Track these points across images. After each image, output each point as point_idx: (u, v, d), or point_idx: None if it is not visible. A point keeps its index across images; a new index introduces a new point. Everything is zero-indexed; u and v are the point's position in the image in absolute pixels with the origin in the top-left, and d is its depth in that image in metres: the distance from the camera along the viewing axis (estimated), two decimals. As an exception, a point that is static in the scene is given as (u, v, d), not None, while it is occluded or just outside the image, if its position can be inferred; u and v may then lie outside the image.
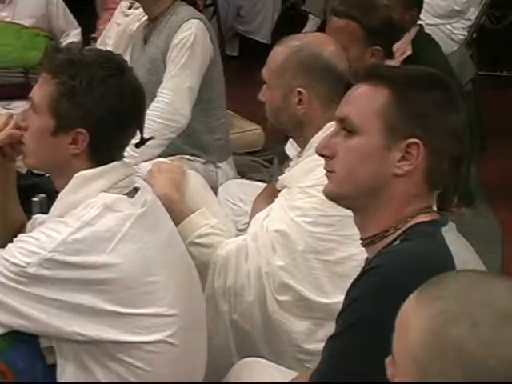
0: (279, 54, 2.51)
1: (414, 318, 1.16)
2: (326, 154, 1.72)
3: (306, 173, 2.39)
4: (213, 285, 2.40)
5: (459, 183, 1.71)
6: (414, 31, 3.80)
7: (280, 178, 2.56)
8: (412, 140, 1.63)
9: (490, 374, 1.08)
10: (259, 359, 2.24)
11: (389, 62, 3.64)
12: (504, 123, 5.04)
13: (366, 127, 1.66)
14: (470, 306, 1.13)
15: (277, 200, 2.47)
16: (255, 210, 2.90)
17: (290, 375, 2.18)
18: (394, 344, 1.20)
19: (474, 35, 4.99)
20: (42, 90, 1.96)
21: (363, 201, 1.69)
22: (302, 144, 2.51)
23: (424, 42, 3.84)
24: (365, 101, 1.68)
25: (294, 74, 2.45)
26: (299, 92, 2.43)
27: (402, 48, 3.71)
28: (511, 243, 3.70)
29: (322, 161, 1.78)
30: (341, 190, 1.71)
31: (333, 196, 1.74)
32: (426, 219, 1.67)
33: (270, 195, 2.93)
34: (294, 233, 2.34)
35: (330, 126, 2.33)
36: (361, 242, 1.72)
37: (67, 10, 4.82)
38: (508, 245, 3.70)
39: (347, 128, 1.68)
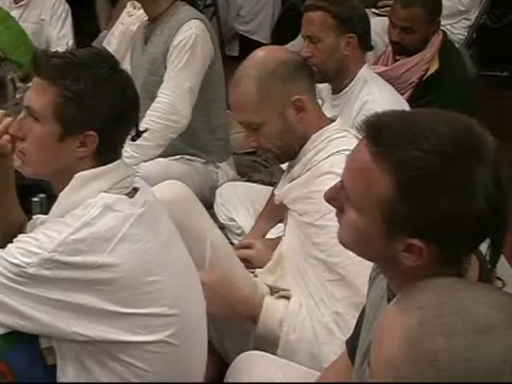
0: (247, 90, 2.36)
1: (392, 329, 1.17)
2: (335, 206, 1.53)
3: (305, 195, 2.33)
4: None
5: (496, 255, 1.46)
6: (438, 38, 3.77)
7: (277, 192, 2.50)
8: (411, 241, 1.39)
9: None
10: (259, 352, 2.25)
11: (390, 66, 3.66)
12: (504, 123, 5.04)
13: (365, 212, 1.43)
14: (445, 317, 1.13)
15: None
16: (258, 232, 2.93)
17: (289, 368, 2.19)
18: (372, 353, 1.20)
19: (474, 35, 4.99)
20: (41, 98, 1.92)
21: (378, 265, 1.57)
22: (298, 162, 2.43)
23: (451, 54, 3.80)
24: (367, 180, 1.42)
25: (277, 90, 2.35)
26: (294, 101, 2.35)
27: (428, 57, 3.71)
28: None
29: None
30: (347, 247, 1.55)
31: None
32: None
33: (271, 215, 2.95)
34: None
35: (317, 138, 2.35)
36: None
37: (67, 26, 4.81)
38: (508, 246, 3.68)
39: (347, 198, 1.47)
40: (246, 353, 2.24)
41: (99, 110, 1.90)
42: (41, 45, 4.62)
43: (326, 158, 2.32)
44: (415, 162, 1.36)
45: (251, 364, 2.18)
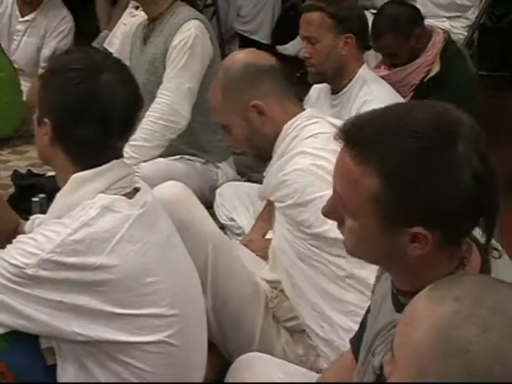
0: (212, 93, 2.50)
1: (424, 316, 1.16)
2: (335, 218, 1.53)
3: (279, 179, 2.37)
4: None
5: (490, 235, 1.48)
6: (439, 39, 3.76)
7: (259, 189, 2.55)
8: (415, 230, 1.40)
9: (493, 381, 1.08)
10: (259, 354, 2.25)
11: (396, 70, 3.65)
12: (504, 123, 5.04)
13: (361, 215, 1.45)
14: (482, 310, 1.12)
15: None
16: (258, 231, 2.93)
17: (288, 368, 2.19)
18: (396, 339, 1.19)
19: (474, 35, 4.99)
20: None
21: (383, 264, 1.58)
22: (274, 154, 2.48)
23: (453, 56, 3.78)
24: (353, 184, 1.43)
25: (238, 95, 2.42)
26: (254, 106, 2.41)
27: (429, 60, 3.70)
28: (512, 244, 3.69)
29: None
30: (355, 256, 1.57)
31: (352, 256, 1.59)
32: None
33: (271, 214, 2.96)
34: None
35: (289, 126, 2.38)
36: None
37: (65, 42, 4.80)
38: (508, 246, 3.68)
39: (343, 206, 1.48)
40: (247, 353, 2.25)
41: (53, 99, 1.95)
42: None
43: (301, 142, 2.37)
44: (395, 154, 1.38)
45: (252, 364, 2.18)
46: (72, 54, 2.01)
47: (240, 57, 2.51)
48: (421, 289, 1.28)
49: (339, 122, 2.04)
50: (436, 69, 3.69)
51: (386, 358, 1.20)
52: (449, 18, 4.77)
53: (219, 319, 2.41)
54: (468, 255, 1.46)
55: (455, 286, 1.18)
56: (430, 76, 3.69)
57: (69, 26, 4.81)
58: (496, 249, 1.51)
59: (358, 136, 1.43)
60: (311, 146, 2.34)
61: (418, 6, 4.67)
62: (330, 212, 1.52)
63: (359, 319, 1.83)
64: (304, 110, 2.49)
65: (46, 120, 1.95)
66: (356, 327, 1.85)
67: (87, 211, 1.88)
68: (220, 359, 2.47)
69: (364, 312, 1.80)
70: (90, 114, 1.92)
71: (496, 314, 1.11)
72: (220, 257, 2.43)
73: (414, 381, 1.14)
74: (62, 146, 1.96)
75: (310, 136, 2.36)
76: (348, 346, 1.88)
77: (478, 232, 1.49)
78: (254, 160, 2.58)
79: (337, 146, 1.48)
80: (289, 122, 2.41)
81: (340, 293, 2.27)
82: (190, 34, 3.42)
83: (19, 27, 4.77)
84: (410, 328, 1.16)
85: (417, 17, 3.76)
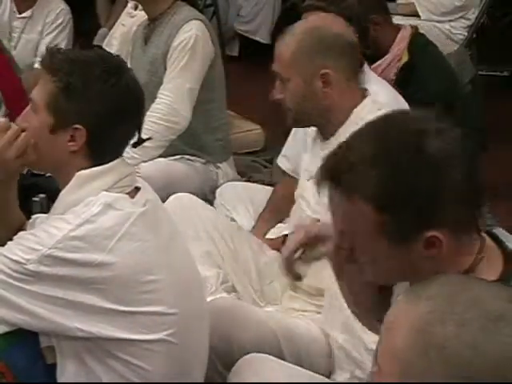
0: (289, 43, 2.46)
1: (402, 319, 1.17)
2: (346, 253, 1.55)
3: None
4: None
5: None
6: (407, 33, 3.80)
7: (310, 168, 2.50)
8: (431, 233, 1.43)
9: (475, 375, 1.08)
10: (261, 354, 2.25)
11: (377, 64, 3.67)
12: (504, 123, 5.04)
13: (367, 244, 1.48)
14: (457, 306, 1.13)
15: None
16: (258, 232, 2.94)
17: (290, 369, 2.19)
18: (379, 348, 1.20)
19: (474, 35, 4.99)
20: (41, 89, 1.97)
21: (409, 280, 1.56)
22: (329, 132, 2.49)
23: (421, 46, 3.83)
24: (351, 221, 1.47)
25: (313, 57, 2.42)
26: (323, 74, 2.40)
27: (398, 55, 3.73)
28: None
29: None
30: (387, 283, 1.61)
31: None
32: None
33: (272, 214, 2.96)
34: None
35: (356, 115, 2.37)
36: None
37: (62, 37, 4.77)
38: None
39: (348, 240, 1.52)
40: (249, 354, 2.24)
41: (88, 105, 1.92)
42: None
43: None
44: (372, 179, 1.41)
45: (254, 365, 2.18)
46: (85, 56, 1.98)
47: (333, 23, 2.51)
48: None
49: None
50: (404, 59, 3.73)
51: (371, 372, 1.21)
52: (450, 20, 4.79)
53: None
54: (482, 256, 1.48)
55: (429, 286, 1.19)
56: (399, 67, 3.72)
57: (66, 19, 4.75)
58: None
59: (339, 175, 1.46)
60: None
61: (420, 13, 4.73)
62: (339, 247, 1.56)
63: None
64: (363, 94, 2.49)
65: (79, 126, 1.93)
66: None
67: (90, 208, 1.88)
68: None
69: None
70: (126, 114, 1.95)
71: (471, 309, 1.12)
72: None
73: (398, 381, 1.14)
74: (91, 149, 1.95)
75: None
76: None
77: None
78: (289, 121, 2.57)
79: None
80: (359, 109, 2.41)
81: None
82: (190, 34, 3.42)
83: (17, 24, 4.73)
84: (390, 333, 1.18)
85: (375, 5, 3.79)
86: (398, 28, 3.84)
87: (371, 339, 2.17)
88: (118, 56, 2.09)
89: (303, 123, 2.55)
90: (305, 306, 2.51)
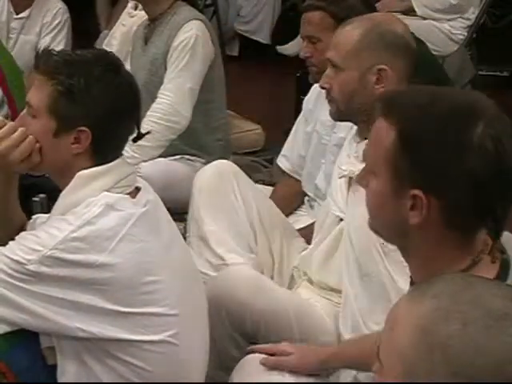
0: (351, 33, 2.43)
1: (405, 317, 1.17)
2: (363, 185, 1.61)
3: None
4: None
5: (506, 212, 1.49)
6: None
7: (344, 167, 2.48)
8: (413, 192, 1.46)
9: (477, 374, 1.08)
10: (262, 355, 2.25)
11: None
12: (504, 123, 5.04)
13: (378, 173, 1.53)
14: (462, 305, 1.13)
15: None
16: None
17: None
18: (381, 347, 1.20)
19: (474, 35, 4.99)
20: (39, 93, 1.95)
21: (395, 242, 1.60)
22: (369, 131, 2.46)
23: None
24: (376, 139, 1.54)
25: (374, 51, 2.39)
26: (379, 69, 2.38)
27: None
28: None
29: None
30: (374, 229, 1.62)
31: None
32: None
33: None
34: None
35: None
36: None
37: (59, 38, 4.76)
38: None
39: (368, 168, 1.58)
40: (250, 355, 2.24)
41: (91, 107, 1.92)
42: None
43: None
44: (415, 119, 1.49)
45: (255, 365, 2.18)
46: (81, 57, 1.97)
47: (397, 24, 2.48)
48: None
49: None
50: None
51: (374, 368, 1.20)
52: (448, 20, 4.78)
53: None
54: (482, 258, 1.47)
55: (433, 285, 1.19)
56: None
57: (64, 18, 4.70)
58: (503, 252, 1.51)
59: (394, 103, 1.55)
60: None
61: (415, 8, 4.71)
62: (362, 177, 1.60)
63: None
64: None
65: (84, 128, 1.93)
66: None
67: (91, 209, 1.88)
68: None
69: None
70: (126, 110, 1.96)
71: (475, 308, 1.12)
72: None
73: (401, 381, 1.14)
74: (95, 150, 1.95)
75: None
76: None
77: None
78: (332, 112, 2.52)
79: None
80: None
81: None
82: (191, 34, 3.42)
83: (14, 25, 4.71)
84: (393, 332, 1.17)
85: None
86: None
87: None
88: (110, 52, 2.09)
89: (347, 117, 2.49)
90: (319, 300, 2.51)
